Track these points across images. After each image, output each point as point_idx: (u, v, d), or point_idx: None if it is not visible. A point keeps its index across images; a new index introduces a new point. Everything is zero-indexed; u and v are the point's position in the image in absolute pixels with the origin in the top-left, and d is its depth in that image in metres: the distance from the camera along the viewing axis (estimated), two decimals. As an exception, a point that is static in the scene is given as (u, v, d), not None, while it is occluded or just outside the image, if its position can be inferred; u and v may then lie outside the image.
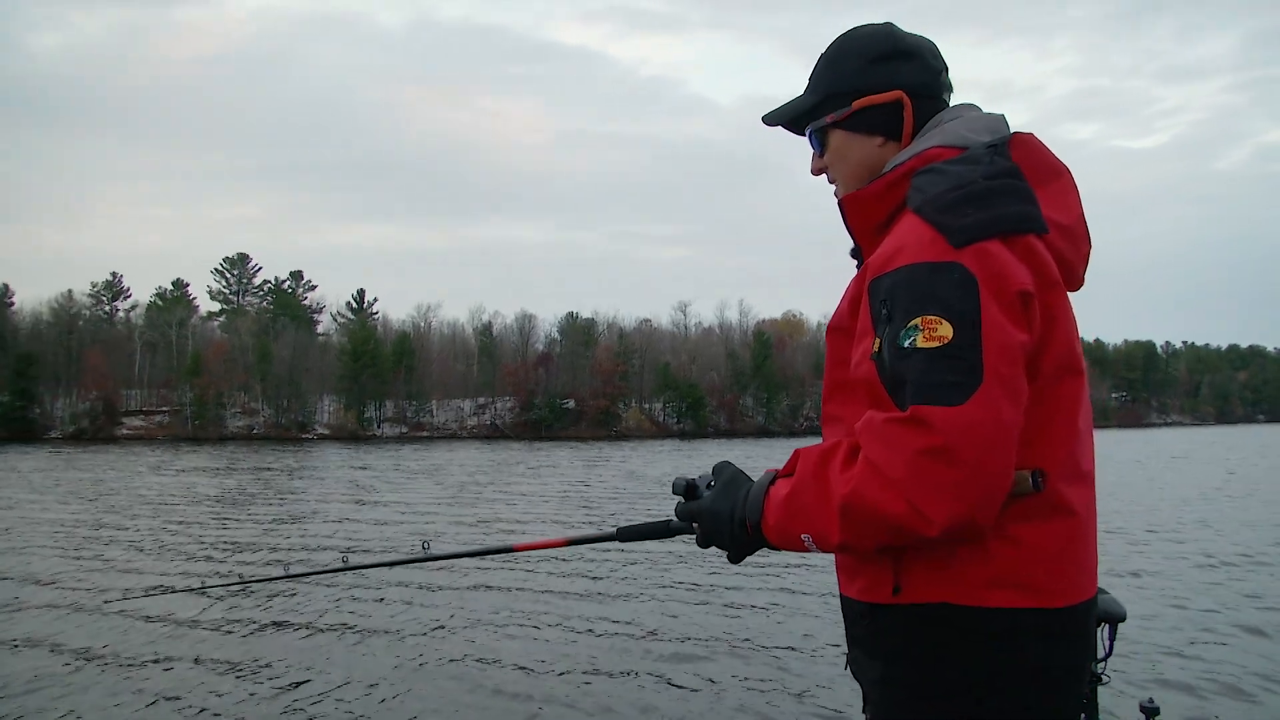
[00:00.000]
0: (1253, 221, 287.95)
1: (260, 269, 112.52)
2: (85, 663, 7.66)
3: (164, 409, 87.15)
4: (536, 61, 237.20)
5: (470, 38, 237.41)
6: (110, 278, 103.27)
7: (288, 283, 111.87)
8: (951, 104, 1.75)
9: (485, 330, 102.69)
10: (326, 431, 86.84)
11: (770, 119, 1.84)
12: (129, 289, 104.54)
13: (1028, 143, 1.63)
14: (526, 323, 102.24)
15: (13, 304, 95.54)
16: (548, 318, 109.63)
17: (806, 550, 1.57)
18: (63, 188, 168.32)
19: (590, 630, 8.79)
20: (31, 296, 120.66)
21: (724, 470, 1.73)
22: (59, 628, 8.93)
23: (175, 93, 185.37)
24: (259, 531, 16.70)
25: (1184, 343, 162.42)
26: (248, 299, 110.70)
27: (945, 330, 1.42)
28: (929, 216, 1.50)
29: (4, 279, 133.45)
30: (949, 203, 1.49)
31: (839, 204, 1.74)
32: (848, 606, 1.69)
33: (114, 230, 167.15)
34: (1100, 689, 2.63)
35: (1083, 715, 2.64)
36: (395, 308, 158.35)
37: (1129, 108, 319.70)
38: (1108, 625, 2.47)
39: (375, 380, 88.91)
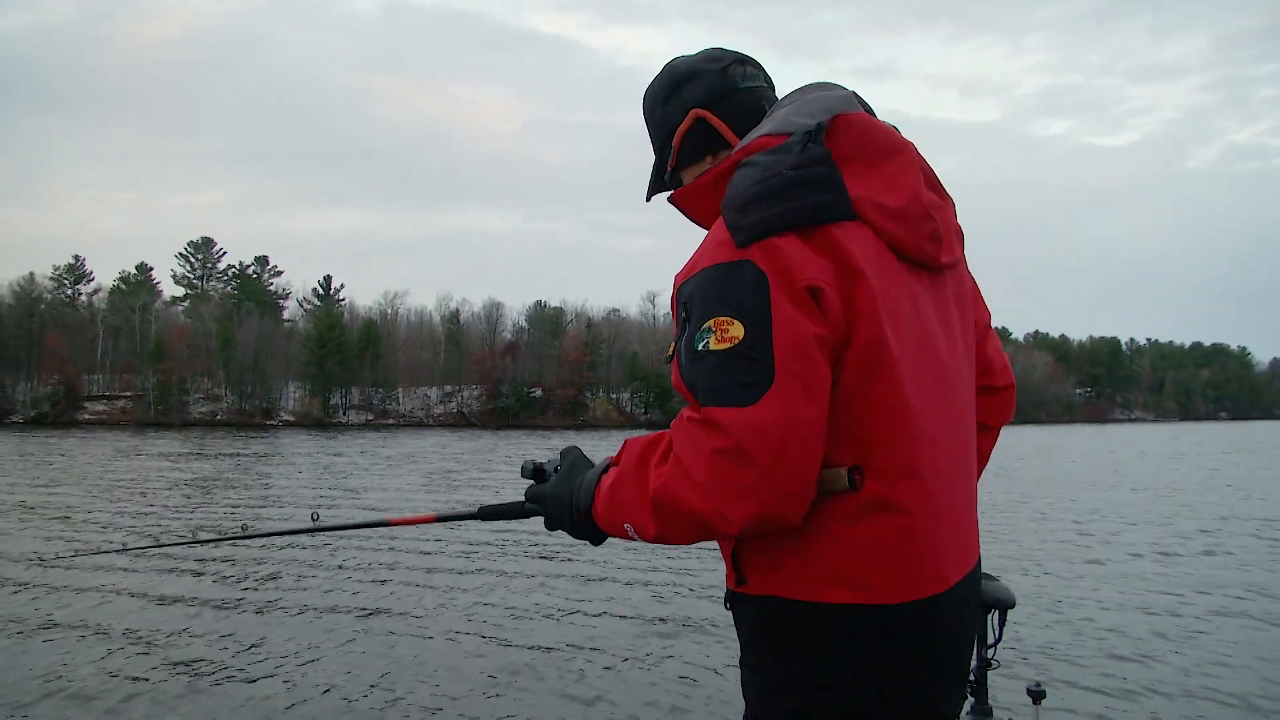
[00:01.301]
0: (1221, 220, 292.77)
1: (225, 254, 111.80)
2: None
3: (127, 394, 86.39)
4: (510, 49, 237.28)
5: (444, 24, 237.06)
6: (73, 261, 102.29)
7: (253, 268, 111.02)
8: (795, 85, 1.74)
9: (453, 318, 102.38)
10: (291, 418, 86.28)
11: (648, 195, 1.92)
12: (92, 272, 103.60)
13: (855, 123, 1.58)
14: (494, 311, 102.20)
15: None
16: (516, 306, 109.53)
17: (632, 539, 1.59)
18: (26, 169, 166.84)
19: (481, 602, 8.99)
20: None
21: (568, 455, 1.77)
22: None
23: (142, 75, 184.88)
24: (186, 505, 16.79)
25: (1148, 339, 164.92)
26: (212, 284, 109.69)
27: (737, 330, 1.42)
28: (726, 216, 1.51)
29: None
30: (745, 200, 1.49)
31: (670, 202, 1.78)
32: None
33: (77, 213, 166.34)
34: (990, 674, 2.74)
35: (971, 699, 2.76)
36: (362, 295, 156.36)
37: (1101, 106, 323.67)
38: (997, 612, 2.59)
39: (341, 367, 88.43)
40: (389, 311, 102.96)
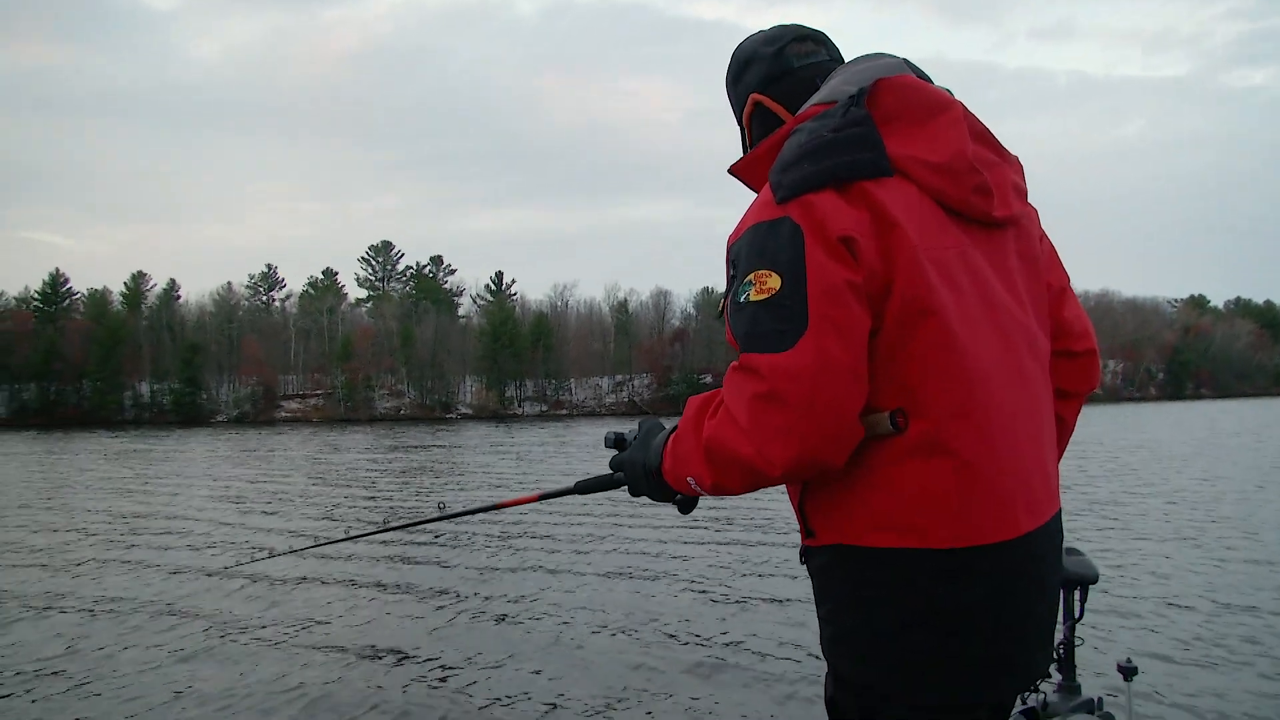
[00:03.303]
0: None
1: (403, 255, 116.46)
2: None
3: (318, 392, 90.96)
4: (672, 40, 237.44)
5: (605, 20, 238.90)
6: (266, 269, 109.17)
7: (429, 268, 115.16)
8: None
9: (621, 308, 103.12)
10: (469, 411, 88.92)
11: (731, 170, 1.92)
12: (284, 279, 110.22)
13: (897, 85, 1.63)
14: (662, 299, 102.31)
15: (179, 298, 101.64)
16: (683, 294, 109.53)
17: (695, 493, 1.69)
18: (223, 186, 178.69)
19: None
20: (196, 289, 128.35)
21: (644, 424, 1.87)
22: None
23: (322, 90, 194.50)
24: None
25: None
26: (392, 285, 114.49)
27: (774, 282, 1.49)
28: (770, 178, 1.58)
29: (172, 274, 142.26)
30: (788, 162, 1.56)
31: (730, 174, 1.86)
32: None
33: (269, 224, 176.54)
34: (1076, 650, 2.69)
35: (1057, 677, 2.72)
36: (533, 288, 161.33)
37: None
38: (1079, 587, 2.58)
39: (514, 360, 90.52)
40: (559, 304, 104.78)
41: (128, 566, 10.45)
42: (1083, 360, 1.88)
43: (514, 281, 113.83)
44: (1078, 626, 2.72)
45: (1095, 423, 45.37)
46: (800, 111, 1.70)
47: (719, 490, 1.60)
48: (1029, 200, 1.79)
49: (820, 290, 1.46)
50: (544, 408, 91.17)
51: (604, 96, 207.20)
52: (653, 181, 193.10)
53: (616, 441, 1.93)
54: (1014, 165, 1.75)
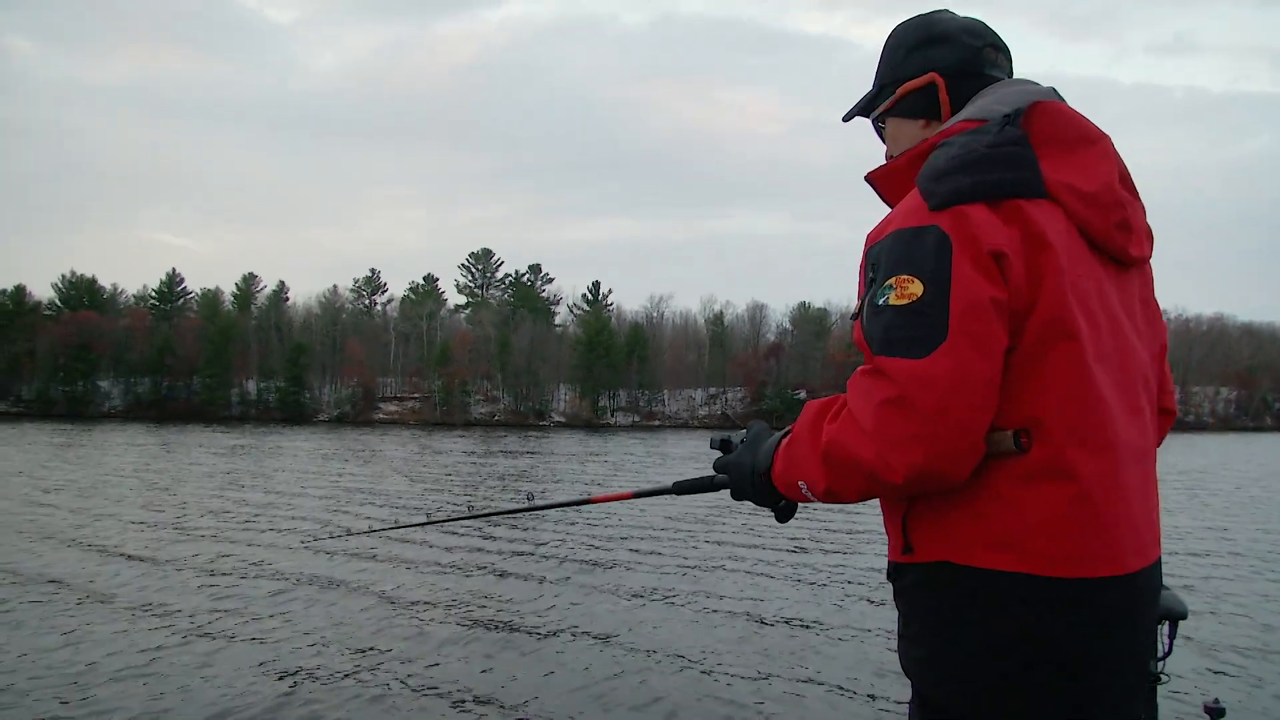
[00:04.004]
0: None
1: (502, 263, 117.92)
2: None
3: (415, 395, 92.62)
4: (776, 51, 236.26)
5: (710, 32, 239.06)
6: (370, 274, 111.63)
7: (527, 276, 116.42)
8: (1013, 75, 1.79)
9: (717, 320, 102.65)
10: (562, 419, 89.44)
11: (846, 115, 1.97)
12: (386, 284, 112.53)
13: (1054, 111, 1.62)
14: (758, 313, 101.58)
15: (288, 299, 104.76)
16: (779, 308, 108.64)
17: (806, 499, 1.65)
18: (334, 192, 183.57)
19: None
20: (304, 291, 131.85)
21: (753, 427, 1.85)
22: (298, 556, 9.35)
23: (434, 101, 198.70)
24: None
25: None
26: (491, 292, 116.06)
27: (916, 288, 1.47)
28: (921, 184, 1.56)
29: (282, 276, 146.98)
30: (941, 171, 1.54)
31: (866, 180, 1.83)
32: (887, 567, 1.72)
33: (376, 230, 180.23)
34: (1160, 688, 2.51)
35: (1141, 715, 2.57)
36: (629, 299, 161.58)
37: None
38: (1168, 623, 2.42)
39: (608, 370, 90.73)
40: (654, 315, 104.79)
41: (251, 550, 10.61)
42: (1165, 420, 1.87)
43: (610, 291, 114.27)
44: (1166, 663, 2.60)
45: (1205, 452, 43.47)
46: (947, 126, 1.68)
47: (831, 497, 1.58)
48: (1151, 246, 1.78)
49: (964, 305, 1.44)
50: (636, 418, 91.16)
51: (706, 107, 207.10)
52: (751, 194, 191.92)
53: (723, 444, 1.91)
54: (1143, 209, 1.73)
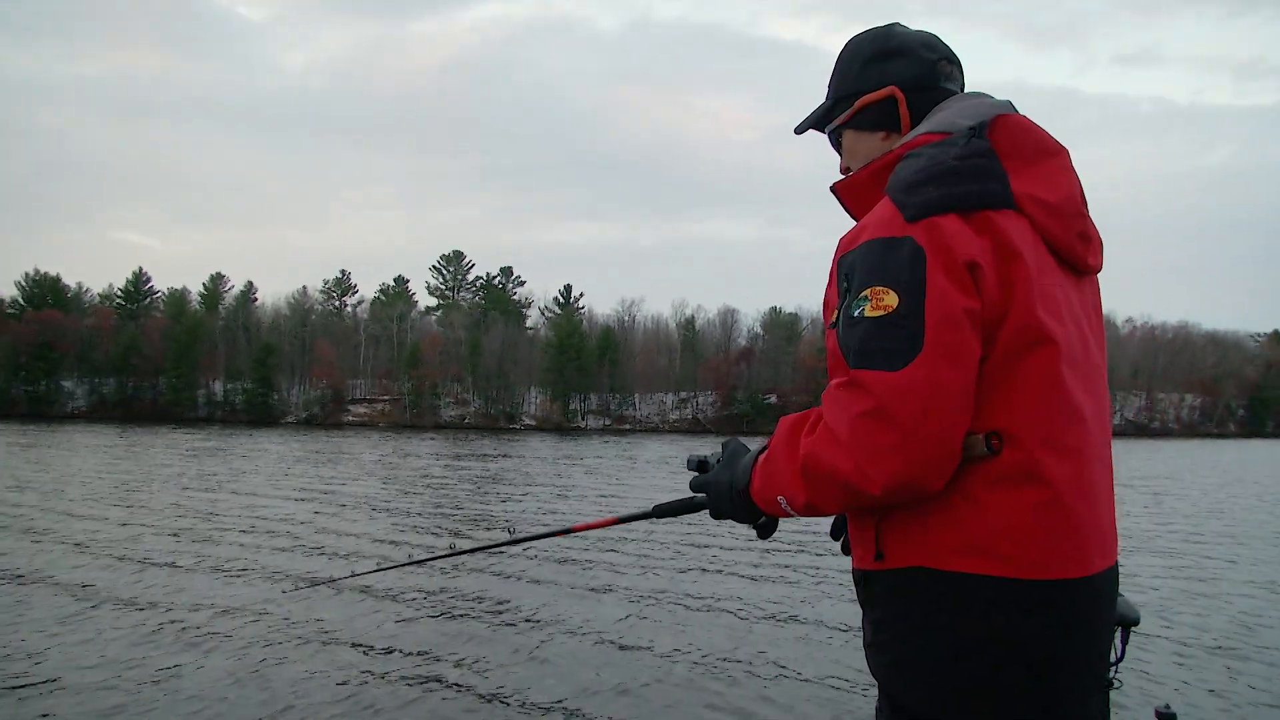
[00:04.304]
0: None
1: (474, 265, 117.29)
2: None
3: (385, 398, 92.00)
4: (750, 59, 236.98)
5: (685, 38, 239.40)
6: (340, 274, 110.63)
7: (499, 278, 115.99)
8: (966, 89, 1.82)
9: (688, 324, 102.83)
10: (533, 423, 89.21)
11: (798, 128, 1.96)
12: (356, 285, 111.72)
13: (1016, 124, 1.67)
14: (729, 317, 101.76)
15: (256, 300, 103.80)
16: (750, 313, 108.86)
17: (786, 514, 1.66)
18: (304, 192, 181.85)
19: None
20: (272, 292, 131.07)
21: (729, 445, 1.86)
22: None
23: (406, 101, 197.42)
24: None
25: None
26: (462, 294, 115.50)
27: (891, 300, 1.49)
28: (893, 195, 1.58)
29: (250, 276, 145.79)
30: (912, 182, 1.57)
31: (831, 191, 1.85)
32: (853, 576, 1.74)
33: (346, 230, 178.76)
34: (1113, 693, 2.52)
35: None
36: (600, 302, 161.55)
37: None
38: (1120, 628, 2.45)
39: (580, 373, 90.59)
40: (626, 319, 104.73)
41: (209, 563, 10.44)
42: None
43: (582, 295, 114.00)
44: (1118, 668, 2.62)
45: (1170, 458, 44.01)
46: (911, 138, 1.71)
47: (811, 510, 1.59)
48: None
49: (938, 316, 1.47)
50: (607, 422, 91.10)
51: (680, 112, 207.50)
52: (724, 199, 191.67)
53: (699, 464, 1.92)
54: (1091, 221, 1.77)
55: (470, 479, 24.68)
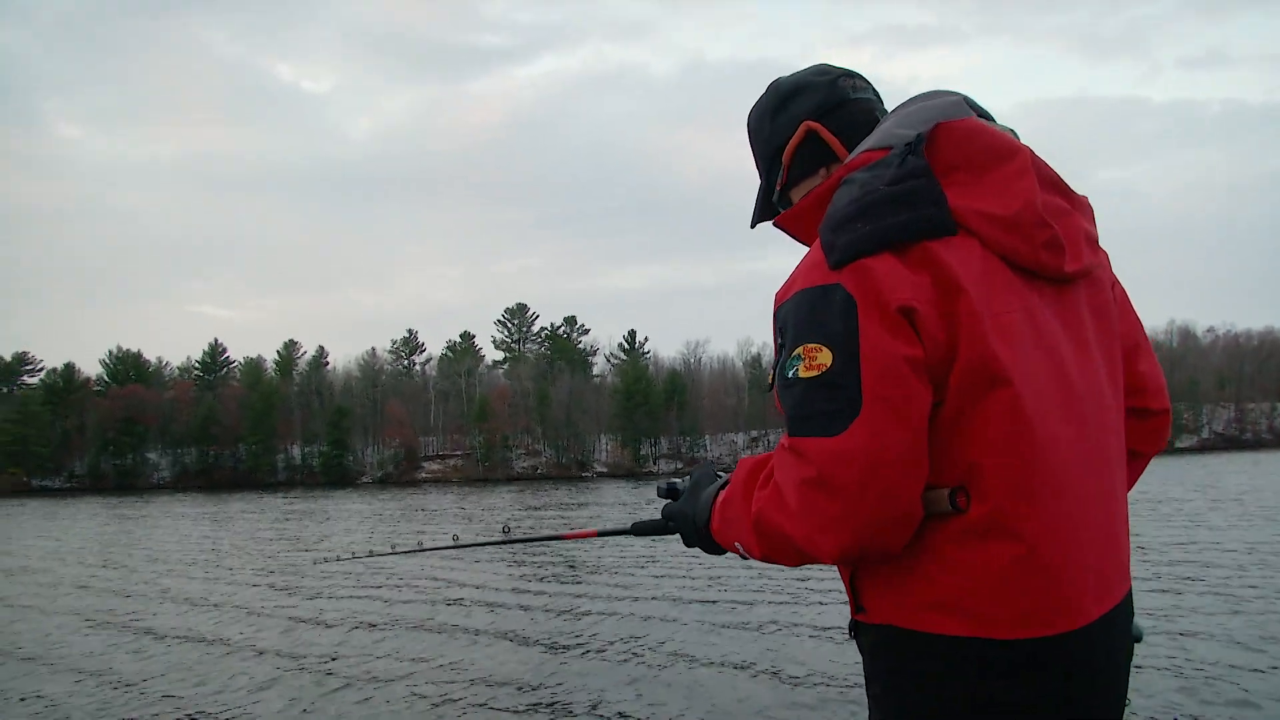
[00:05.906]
0: None
1: (538, 316, 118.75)
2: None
3: (457, 453, 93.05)
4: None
5: (738, 76, 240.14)
6: (407, 334, 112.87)
7: (563, 328, 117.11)
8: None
9: (754, 362, 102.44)
10: (604, 469, 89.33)
11: (752, 223, 1.91)
12: (424, 344, 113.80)
13: (959, 130, 1.49)
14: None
15: (328, 364, 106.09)
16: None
17: (744, 557, 1.59)
18: (370, 255, 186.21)
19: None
20: (343, 354, 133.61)
21: (695, 472, 1.82)
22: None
23: (466, 158, 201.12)
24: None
25: None
26: (527, 346, 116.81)
27: (825, 358, 1.38)
28: (822, 236, 1.46)
29: (321, 340, 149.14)
30: (841, 219, 1.44)
31: (776, 226, 1.77)
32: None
33: (411, 290, 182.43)
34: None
35: None
36: (665, 345, 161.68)
37: None
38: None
39: (648, 418, 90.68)
40: (692, 360, 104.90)
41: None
42: (1156, 420, 1.73)
43: (647, 339, 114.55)
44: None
45: (1267, 471, 42.41)
46: (850, 159, 1.58)
47: (768, 560, 1.53)
48: (1099, 246, 1.64)
49: (876, 370, 1.35)
50: (679, 464, 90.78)
51: (734, 150, 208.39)
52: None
53: (669, 492, 1.87)
54: (1085, 210, 1.60)
55: (553, 524, 24.76)
